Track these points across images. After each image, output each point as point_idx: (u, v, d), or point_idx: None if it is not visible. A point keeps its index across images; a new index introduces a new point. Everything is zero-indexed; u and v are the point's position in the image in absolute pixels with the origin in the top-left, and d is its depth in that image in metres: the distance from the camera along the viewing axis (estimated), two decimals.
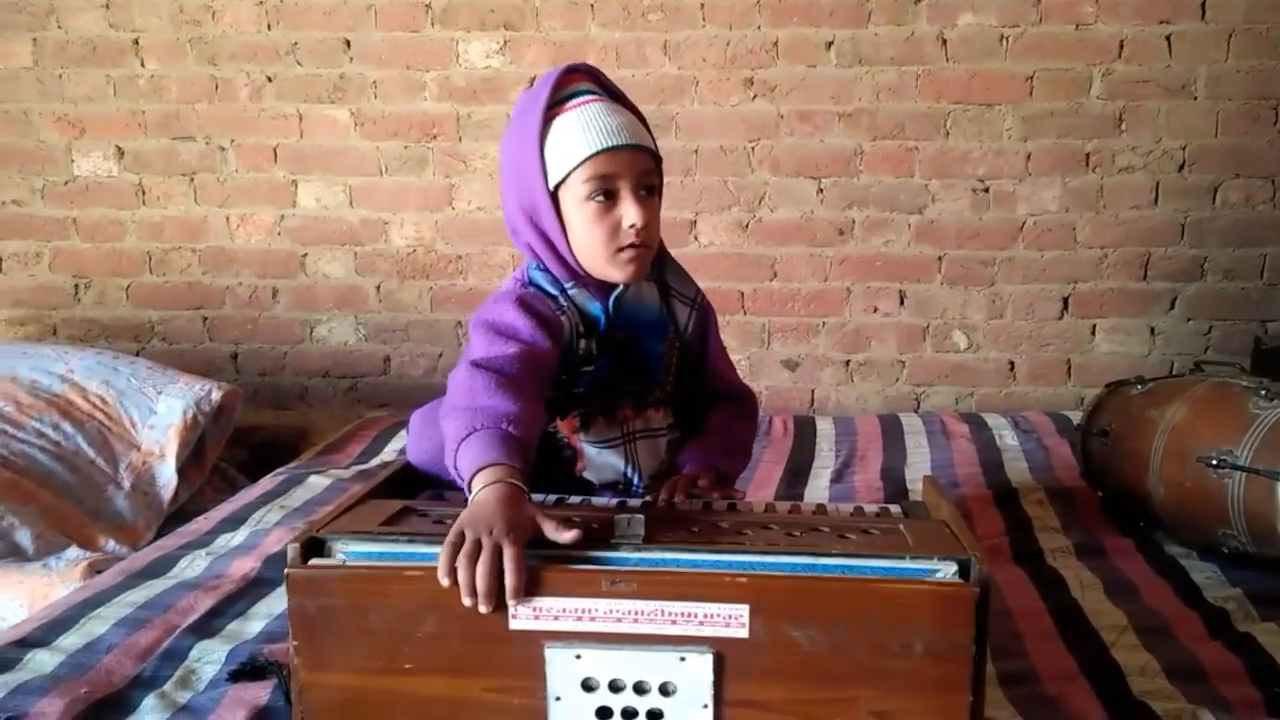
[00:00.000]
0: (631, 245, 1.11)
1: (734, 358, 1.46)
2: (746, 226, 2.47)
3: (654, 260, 1.21)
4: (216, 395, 2.12)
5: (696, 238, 2.48)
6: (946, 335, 2.50)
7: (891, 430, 2.23)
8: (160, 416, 2.07)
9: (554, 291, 1.18)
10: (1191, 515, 1.48)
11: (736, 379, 1.38)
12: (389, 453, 2.14)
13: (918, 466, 1.99)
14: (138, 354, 2.45)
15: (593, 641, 0.86)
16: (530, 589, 0.85)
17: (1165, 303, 2.44)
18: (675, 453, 1.28)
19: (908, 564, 0.87)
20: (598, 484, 1.22)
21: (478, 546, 0.85)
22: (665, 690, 0.87)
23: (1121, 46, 2.33)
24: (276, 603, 1.33)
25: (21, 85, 2.52)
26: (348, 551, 0.92)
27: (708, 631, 0.85)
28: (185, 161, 2.54)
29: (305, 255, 2.57)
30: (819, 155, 2.43)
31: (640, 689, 0.87)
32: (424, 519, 1.00)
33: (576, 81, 1.15)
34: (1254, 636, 1.23)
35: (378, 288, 2.58)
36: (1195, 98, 2.34)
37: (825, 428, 2.28)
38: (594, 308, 1.18)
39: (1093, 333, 2.47)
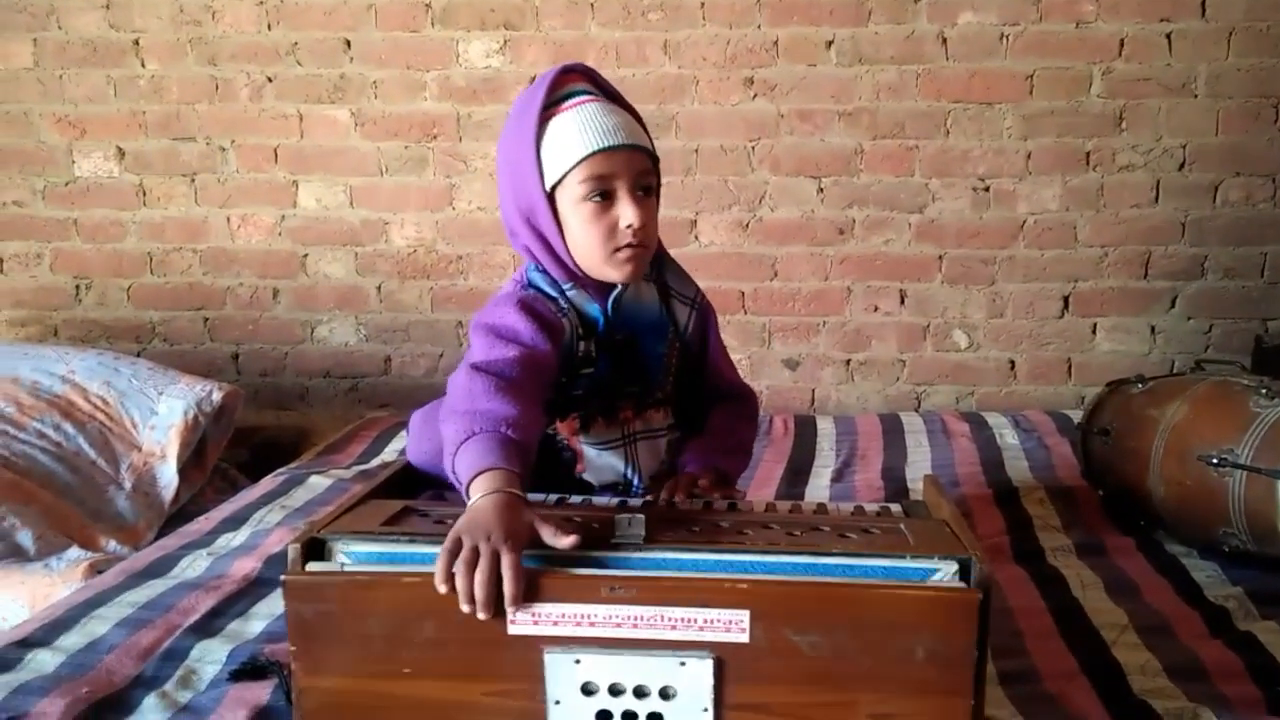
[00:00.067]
0: (629, 245, 1.11)
1: (734, 357, 1.45)
2: (747, 226, 2.47)
3: (653, 260, 1.20)
4: (217, 396, 2.13)
5: (697, 237, 2.48)
6: (947, 334, 2.50)
7: (892, 429, 2.23)
8: (161, 417, 2.08)
9: (553, 293, 1.17)
10: (1192, 514, 1.48)
11: (737, 379, 1.37)
12: (390, 453, 2.14)
13: (918, 466, 1.99)
14: (139, 355, 2.46)
15: (592, 646, 0.86)
16: (529, 594, 0.85)
17: (1166, 301, 2.44)
18: (676, 453, 1.28)
19: (908, 563, 0.87)
20: (597, 485, 1.22)
21: (475, 553, 0.85)
22: (665, 694, 0.87)
23: (1122, 45, 2.33)
24: (277, 603, 1.33)
25: (22, 86, 2.52)
26: (349, 552, 0.92)
27: (708, 636, 0.85)
28: (186, 162, 2.54)
29: (306, 256, 2.57)
30: (819, 154, 2.43)
31: (640, 693, 0.87)
32: (425, 519, 1.00)
33: (573, 82, 1.14)
34: (1255, 635, 1.23)
35: (378, 288, 2.58)
36: (1196, 96, 2.33)
37: (826, 427, 2.28)
38: (593, 309, 1.17)
39: (1093, 332, 2.47)
